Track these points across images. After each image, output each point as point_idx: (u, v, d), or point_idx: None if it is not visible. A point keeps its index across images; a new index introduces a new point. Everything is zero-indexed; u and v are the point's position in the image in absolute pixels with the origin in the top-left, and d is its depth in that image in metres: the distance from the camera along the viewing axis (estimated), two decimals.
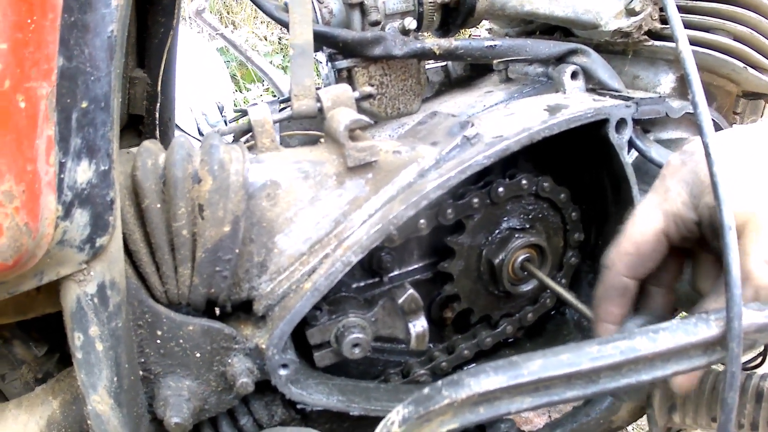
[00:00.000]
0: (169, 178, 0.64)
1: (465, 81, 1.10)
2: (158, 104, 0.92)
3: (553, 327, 0.97)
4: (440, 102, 1.02)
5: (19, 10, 0.48)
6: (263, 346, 0.69)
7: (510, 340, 0.96)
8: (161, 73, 0.89)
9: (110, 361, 0.62)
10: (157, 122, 0.94)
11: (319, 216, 0.71)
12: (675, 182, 0.58)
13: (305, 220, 0.70)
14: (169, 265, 0.66)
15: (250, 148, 0.73)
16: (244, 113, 1.02)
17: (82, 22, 0.55)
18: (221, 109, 1.64)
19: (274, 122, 0.72)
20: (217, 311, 0.76)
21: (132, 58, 0.89)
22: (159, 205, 0.65)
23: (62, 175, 0.54)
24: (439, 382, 0.51)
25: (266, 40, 3.78)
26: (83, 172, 0.56)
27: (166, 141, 0.97)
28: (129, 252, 0.66)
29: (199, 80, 2.08)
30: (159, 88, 0.91)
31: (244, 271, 0.70)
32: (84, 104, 0.55)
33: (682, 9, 0.96)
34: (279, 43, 3.77)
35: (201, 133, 1.68)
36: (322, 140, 0.75)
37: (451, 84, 1.09)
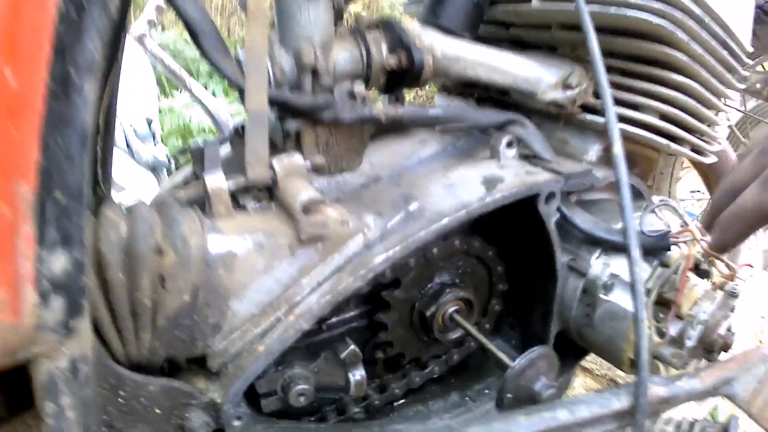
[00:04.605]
0: (132, 251, 0.67)
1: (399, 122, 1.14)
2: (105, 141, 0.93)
3: (475, 363, 1.07)
4: (375, 148, 1.06)
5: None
6: (218, 401, 0.75)
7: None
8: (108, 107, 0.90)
9: (80, 426, 0.66)
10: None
11: (271, 281, 0.76)
12: None
13: (258, 286, 0.76)
14: (130, 330, 0.71)
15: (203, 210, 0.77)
16: (185, 151, 1.05)
17: (60, 116, 0.57)
18: (149, 123, 1.63)
19: (230, 192, 0.77)
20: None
21: None
22: (121, 275, 0.69)
23: (40, 267, 0.57)
24: None
25: None
26: (58, 261, 0.59)
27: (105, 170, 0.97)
28: (92, 318, 0.69)
29: (126, 84, 2.03)
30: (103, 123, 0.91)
31: (200, 332, 0.75)
32: (59, 196, 0.58)
33: (614, 84, 1.01)
34: None
35: (128, 145, 1.66)
36: (273, 206, 0.80)
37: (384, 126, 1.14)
